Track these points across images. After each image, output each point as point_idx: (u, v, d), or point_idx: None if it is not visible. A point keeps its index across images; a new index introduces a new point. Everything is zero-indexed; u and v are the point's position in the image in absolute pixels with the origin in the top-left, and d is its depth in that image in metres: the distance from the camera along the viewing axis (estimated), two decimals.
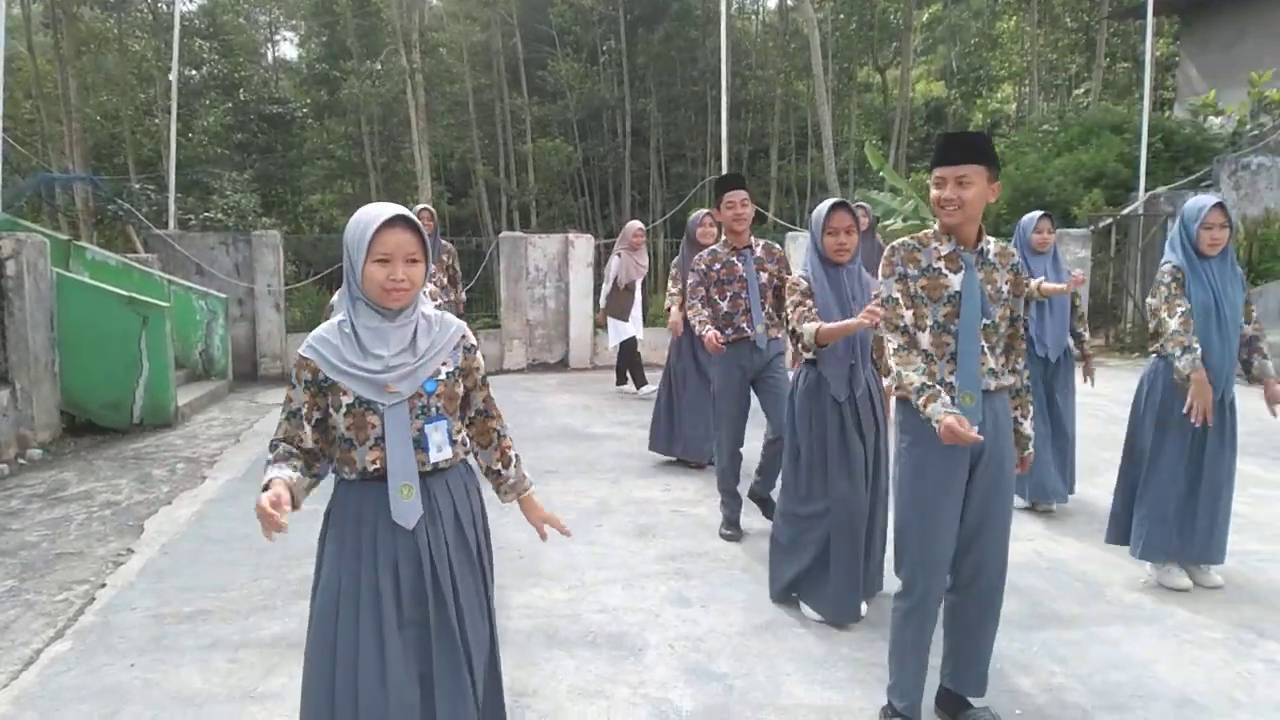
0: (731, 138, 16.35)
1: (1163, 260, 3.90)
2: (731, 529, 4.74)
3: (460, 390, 2.24)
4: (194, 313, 9.11)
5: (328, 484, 2.22)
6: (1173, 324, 3.71)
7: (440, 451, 2.17)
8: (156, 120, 20.62)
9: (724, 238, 4.71)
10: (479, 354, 2.31)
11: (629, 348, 8.75)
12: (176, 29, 12.01)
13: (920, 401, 2.57)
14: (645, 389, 8.72)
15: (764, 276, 4.57)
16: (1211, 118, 14.22)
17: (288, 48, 30.90)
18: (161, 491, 5.59)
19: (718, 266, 4.62)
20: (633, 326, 8.58)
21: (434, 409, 2.15)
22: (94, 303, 7.14)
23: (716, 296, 4.61)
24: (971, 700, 2.85)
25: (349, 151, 23.76)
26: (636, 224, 8.70)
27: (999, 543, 2.74)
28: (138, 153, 20.90)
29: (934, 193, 2.64)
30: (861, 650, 3.39)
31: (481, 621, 2.27)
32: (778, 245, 4.76)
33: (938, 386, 2.58)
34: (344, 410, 2.09)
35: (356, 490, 2.16)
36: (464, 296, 7.62)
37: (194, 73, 23.07)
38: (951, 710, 2.86)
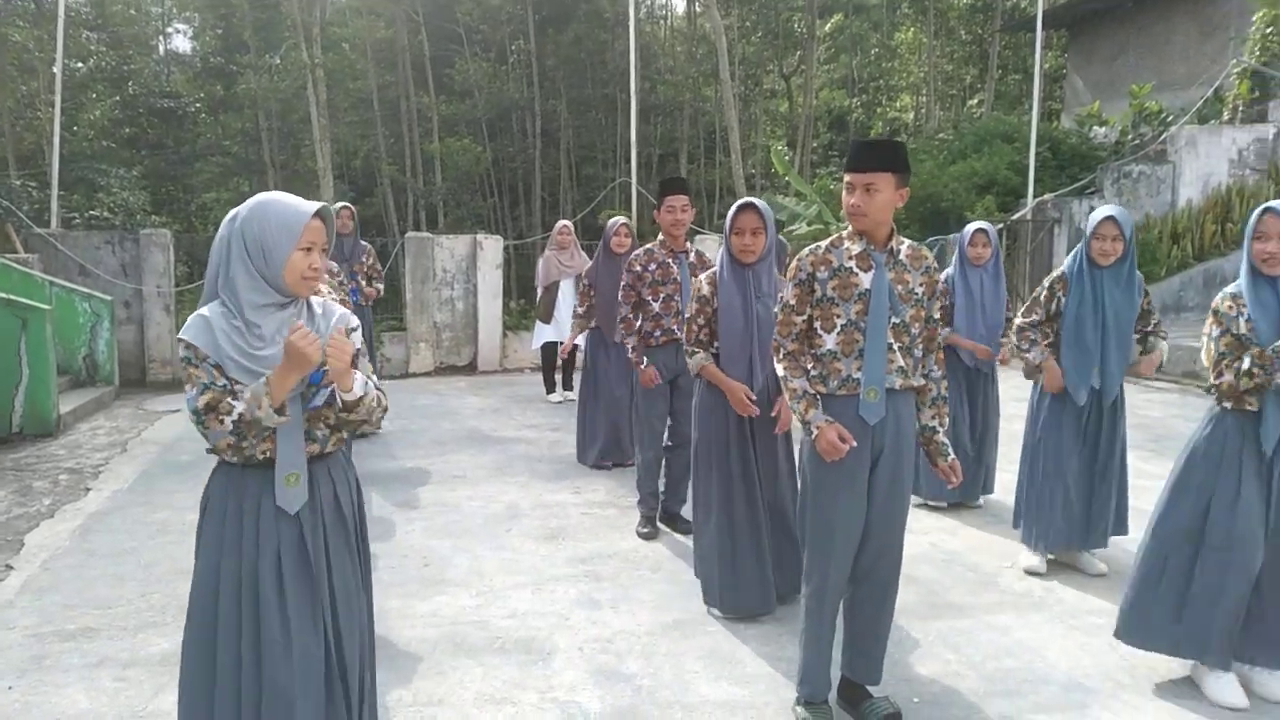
0: (641, 141, 16.42)
1: (1056, 269, 4.14)
2: (648, 526, 4.77)
3: None
4: (77, 316, 8.67)
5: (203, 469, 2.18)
6: (1018, 321, 4.12)
7: (330, 437, 2.21)
8: (39, 114, 19.57)
9: (660, 239, 4.75)
10: (358, 335, 2.29)
11: (549, 351, 8.62)
12: (61, 19, 11.42)
13: (801, 408, 2.72)
14: (553, 396, 8.65)
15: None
16: (1096, 128, 14.95)
17: (181, 40, 29.74)
18: (43, 504, 5.30)
19: (653, 267, 4.67)
20: (553, 330, 8.38)
21: (319, 396, 2.16)
22: None
23: (649, 297, 4.66)
24: (870, 689, 2.92)
25: (246, 148, 22.95)
26: (563, 222, 8.59)
27: (895, 536, 2.83)
28: (18, 148, 19.77)
29: (844, 197, 2.71)
30: (768, 645, 3.44)
31: (359, 608, 2.32)
32: (708, 254, 4.82)
33: (817, 395, 2.73)
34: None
35: (237, 476, 2.15)
36: (380, 290, 7.42)
37: (80, 65, 21.95)
38: (852, 699, 2.93)
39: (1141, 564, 3.19)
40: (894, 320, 2.73)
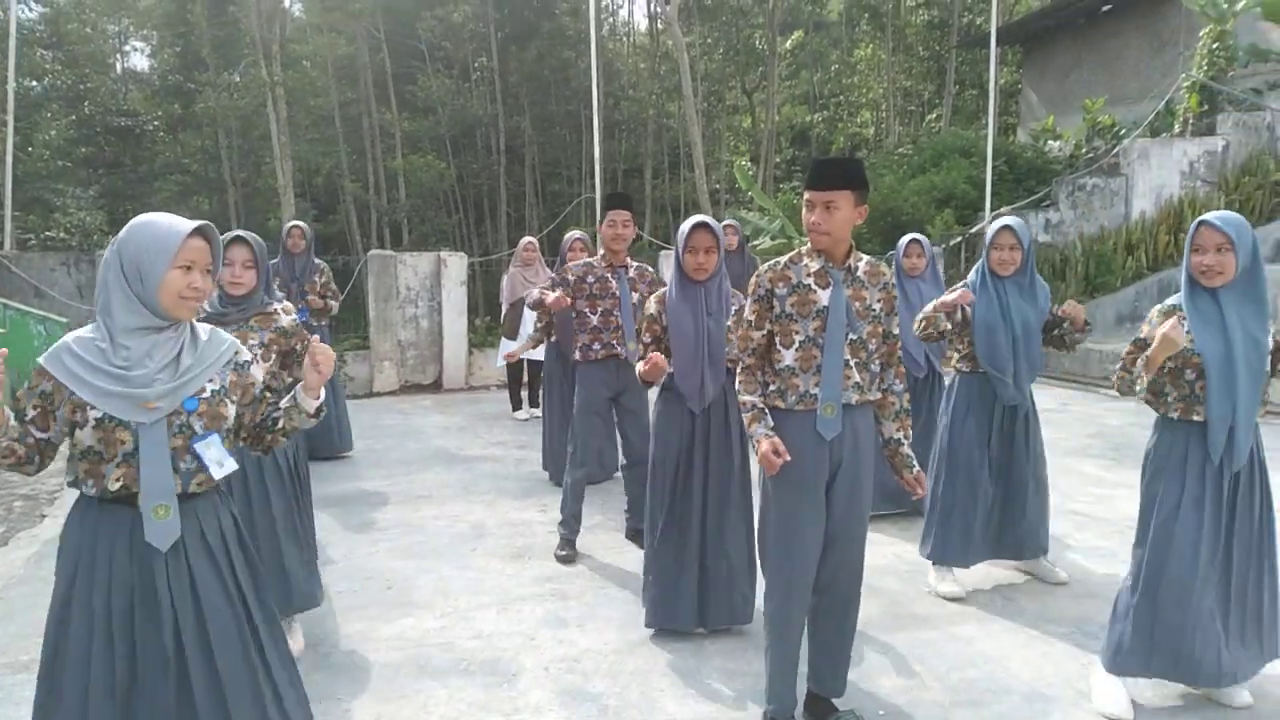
0: (606, 157, 16.46)
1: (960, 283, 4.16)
2: (567, 549, 4.69)
3: (228, 410, 2.15)
4: (32, 339, 8.49)
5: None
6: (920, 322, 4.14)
7: (222, 467, 2.10)
8: None
9: (601, 253, 4.74)
10: (254, 369, 2.26)
11: (514, 368, 8.58)
12: (12, 37, 11.25)
13: (747, 419, 2.77)
14: (519, 413, 8.61)
15: (635, 296, 4.63)
16: (1050, 141, 15.24)
17: (139, 58, 29.39)
18: (15, 521, 5.18)
19: (591, 280, 4.63)
20: (519, 346, 8.30)
21: (196, 427, 2.07)
22: None
23: (587, 310, 4.62)
24: (835, 702, 2.94)
25: (205, 166, 22.73)
26: (528, 239, 8.56)
27: (855, 549, 2.86)
28: None
29: (804, 214, 2.74)
30: (733, 660, 3.45)
31: (241, 659, 2.15)
32: (650, 269, 4.82)
33: (764, 409, 2.78)
34: (91, 425, 2.00)
35: (95, 511, 2.07)
36: (334, 307, 7.32)
37: (35, 84, 21.63)
38: (817, 713, 2.94)
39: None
40: (851, 337, 2.76)
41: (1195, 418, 2.98)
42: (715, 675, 3.34)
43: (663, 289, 3.76)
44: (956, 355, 4.15)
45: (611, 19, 28.27)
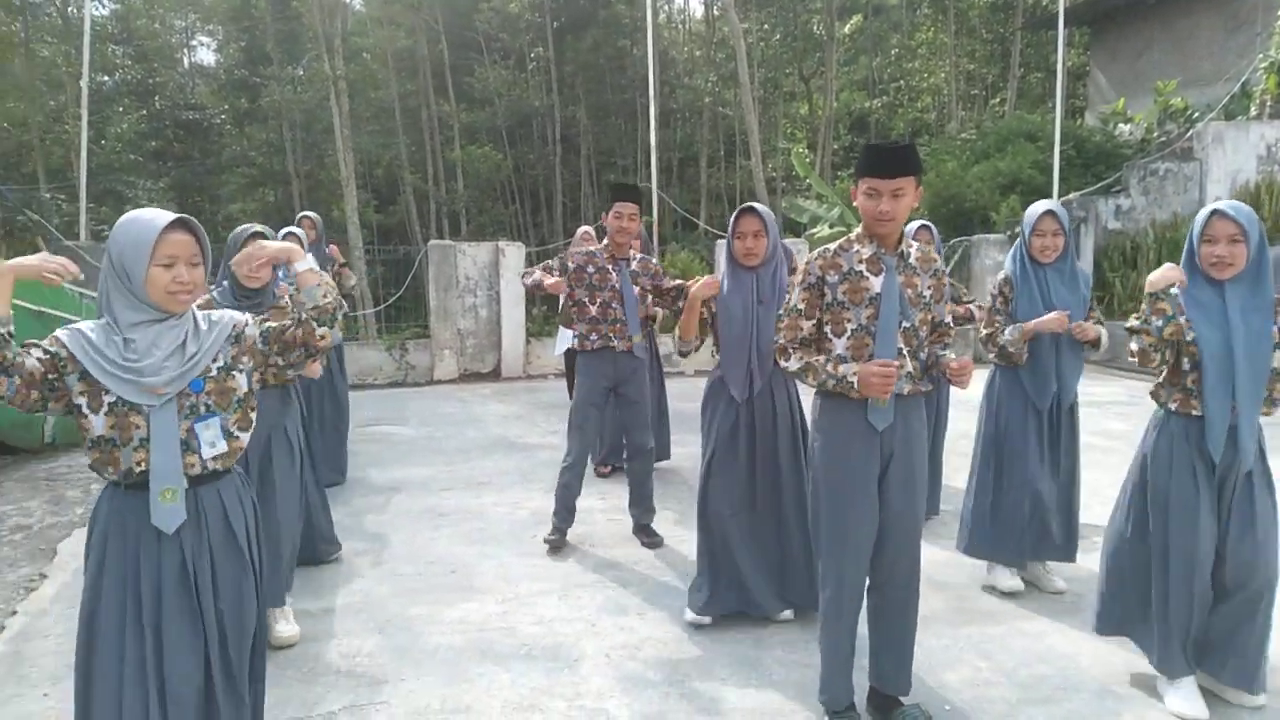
0: (661, 146, 16.44)
1: (1005, 268, 3.97)
2: (557, 535, 4.68)
3: (237, 382, 2.20)
4: None
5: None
6: (984, 333, 3.91)
7: (213, 448, 2.14)
8: (67, 127, 19.88)
9: (605, 242, 4.70)
10: (249, 329, 2.26)
11: (573, 357, 8.58)
12: (87, 34, 11.59)
13: (831, 368, 2.69)
14: None
15: (637, 289, 4.58)
16: (1121, 125, 14.80)
17: (205, 53, 30.10)
18: (75, 513, 5.37)
19: (591, 270, 4.60)
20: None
21: (203, 407, 2.13)
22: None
23: (586, 300, 4.59)
24: (901, 699, 2.90)
25: (270, 159, 23.24)
26: (585, 228, 8.57)
27: (911, 541, 2.81)
28: (47, 161, 20.12)
29: (866, 203, 2.67)
30: (795, 652, 3.42)
31: (249, 631, 2.25)
32: (654, 261, 4.77)
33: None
34: (105, 409, 2.05)
35: (120, 498, 2.13)
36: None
37: (106, 79, 22.34)
38: (883, 709, 2.90)
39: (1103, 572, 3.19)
40: (904, 325, 2.71)
41: (1194, 413, 2.90)
42: (776, 665, 3.32)
43: (717, 275, 3.71)
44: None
45: (667, 6, 28.18)
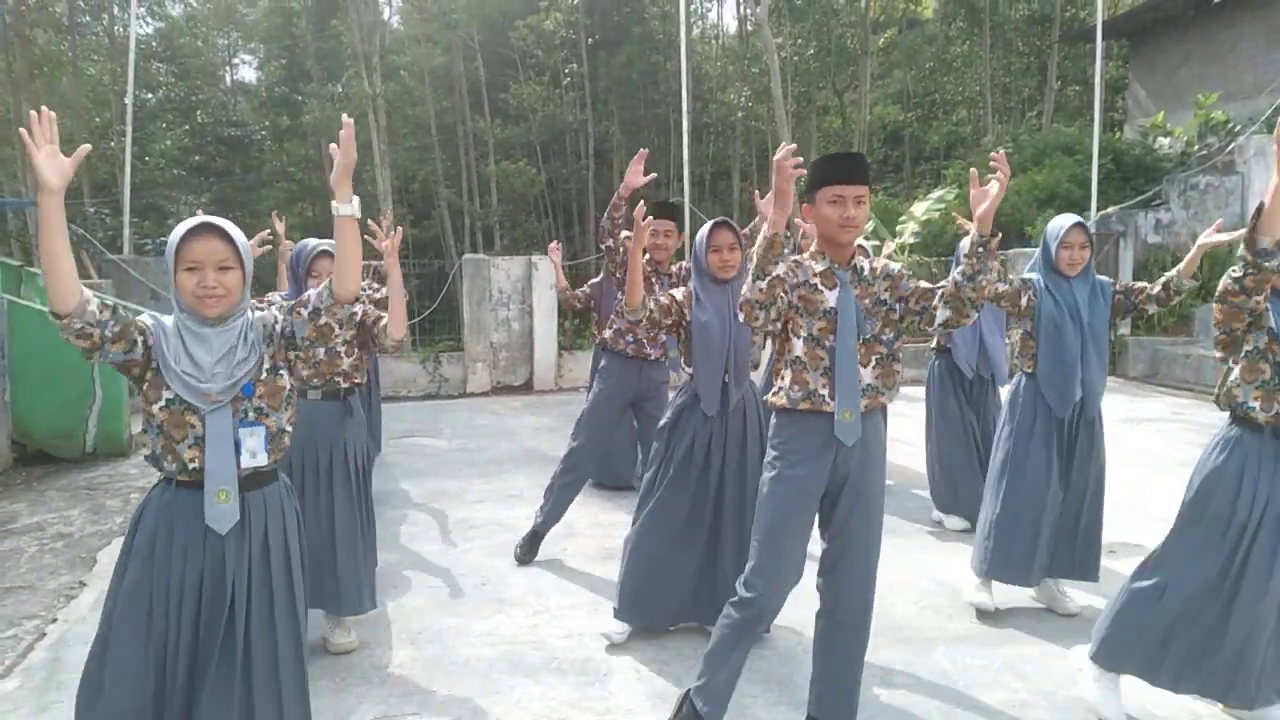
0: (694, 160, 16.48)
1: (1022, 277, 3.83)
2: (529, 548, 4.64)
3: (284, 380, 2.26)
4: None
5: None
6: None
7: (254, 458, 2.17)
8: (112, 144, 20.34)
9: (647, 257, 4.69)
10: (277, 321, 2.26)
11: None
12: (132, 52, 11.89)
13: (761, 244, 2.58)
14: None
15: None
16: (1160, 138, 14.61)
17: (246, 70, 30.68)
18: (115, 522, 5.46)
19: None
20: None
21: (253, 412, 2.18)
22: (46, 330, 6.97)
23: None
24: None
25: (309, 174, 23.60)
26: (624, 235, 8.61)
27: (864, 568, 2.70)
28: (93, 176, 20.59)
29: (831, 211, 2.60)
30: None
31: (274, 646, 2.25)
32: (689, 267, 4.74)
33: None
34: (163, 404, 2.11)
35: (170, 494, 2.17)
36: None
37: (150, 96, 22.84)
38: None
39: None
40: (863, 337, 2.67)
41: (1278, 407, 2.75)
42: (806, 683, 3.27)
43: (687, 287, 3.63)
44: (1023, 356, 3.85)
45: (701, 22, 28.28)
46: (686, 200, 12.65)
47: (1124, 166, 13.60)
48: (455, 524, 5.38)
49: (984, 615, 3.88)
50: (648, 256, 4.68)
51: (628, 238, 5.65)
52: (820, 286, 2.67)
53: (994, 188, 2.64)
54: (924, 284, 2.71)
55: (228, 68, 29.43)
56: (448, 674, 3.38)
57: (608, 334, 4.64)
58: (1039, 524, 3.72)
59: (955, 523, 5.14)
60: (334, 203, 2.24)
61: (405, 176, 23.06)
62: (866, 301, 2.68)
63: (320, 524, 3.45)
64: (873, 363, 2.69)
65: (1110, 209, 11.83)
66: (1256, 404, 2.81)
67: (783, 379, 2.73)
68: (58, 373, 6.95)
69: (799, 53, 24.64)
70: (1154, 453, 6.74)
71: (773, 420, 2.79)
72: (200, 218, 2.16)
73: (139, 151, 18.29)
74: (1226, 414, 2.95)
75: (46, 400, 6.95)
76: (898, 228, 14.04)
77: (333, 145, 2.28)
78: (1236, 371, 2.86)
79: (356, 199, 2.27)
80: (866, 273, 2.73)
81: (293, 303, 2.30)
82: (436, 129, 21.78)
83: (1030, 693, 3.20)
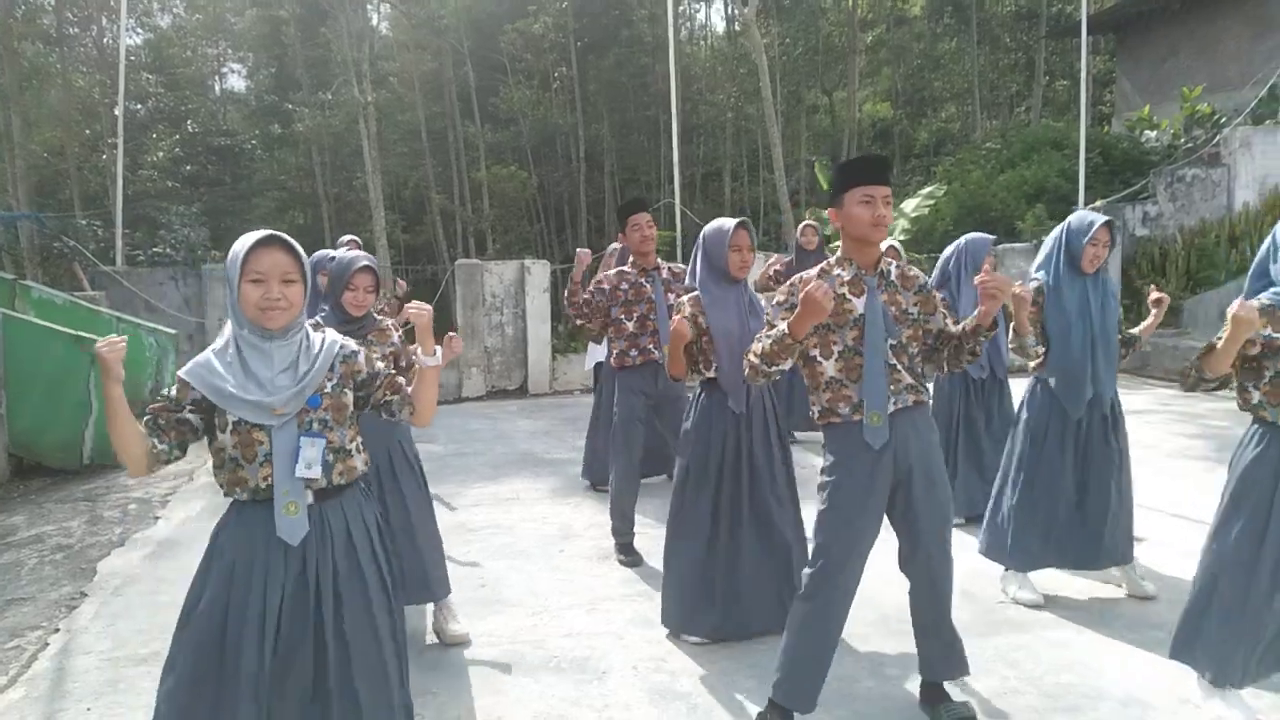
0: (685, 161, 16.53)
1: (1029, 279, 3.89)
2: (627, 553, 4.71)
3: (348, 399, 2.28)
4: (144, 350, 8.96)
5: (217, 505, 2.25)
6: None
7: (309, 469, 2.18)
8: (103, 155, 20.35)
9: (631, 259, 4.77)
10: (361, 356, 2.34)
11: (600, 373, 8.71)
12: (121, 63, 11.91)
13: (771, 335, 2.70)
14: None
15: (671, 298, 4.60)
16: (1147, 132, 14.69)
17: (236, 79, 30.69)
18: (114, 533, 5.49)
19: (625, 286, 4.66)
20: (605, 350, 8.46)
21: (316, 423, 2.20)
22: (41, 342, 7.02)
23: (622, 316, 4.64)
24: (948, 691, 2.97)
25: (300, 182, 23.62)
26: (615, 245, 8.70)
27: (942, 546, 2.85)
28: (84, 188, 20.57)
29: (862, 211, 2.68)
30: None
31: (378, 643, 2.29)
32: (681, 265, 4.78)
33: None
34: (230, 429, 2.14)
35: (249, 512, 2.20)
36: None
37: (140, 107, 22.84)
38: (932, 700, 2.97)
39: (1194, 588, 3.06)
40: (891, 342, 2.74)
41: None
42: None
43: (693, 293, 3.68)
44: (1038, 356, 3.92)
45: (689, 23, 28.34)
46: (677, 201, 12.71)
47: (1112, 160, 13.68)
48: (453, 527, 5.41)
49: (978, 607, 3.93)
50: (631, 259, 4.75)
51: (613, 252, 5.75)
52: (848, 295, 2.75)
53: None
54: (949, 328, 2.85)
55: (217, 77, 29.44)
56: (448, 674, 3.43)
57: (612, 358, 4.76)
58: (1054, 516, 3.84)
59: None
60: (419, 354, 2.39)
61: (397, 183, 23.07)
62: (894, 309, 2.75)
63: (397, 520, 3.59)
64: (907, 365, 2.78)
65: (1098, 203, 11.91)
66: None
67: (820, 399, 2.82)
68: (53, 385, 6.98)
69: (787, 52, 24.71)
70: (1144, 444, 6.80)
71: (823, 437, 2.88)
72: (265, 231, 2.20)
73: (130, 163, 18.27)
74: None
75: (43, 412, 6.98)
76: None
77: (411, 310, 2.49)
78: (1259, 395, 2.92)
79: (439, 349, 2.44)
80: (894, 277, 2.80)
81: (381, 354, 2.49)
82: (427, 135, 21.80)
83: (1020, 680, 3.25)
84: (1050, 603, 3.97)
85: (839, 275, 2.78)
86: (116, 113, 11.77)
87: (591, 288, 4.73)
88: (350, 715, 2.23)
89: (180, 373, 2.18)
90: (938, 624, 2.91)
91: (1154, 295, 3.93)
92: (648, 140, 23.97)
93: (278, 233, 2.19)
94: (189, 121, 23.52)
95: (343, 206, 23.23)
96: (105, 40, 21.15)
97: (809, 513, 3.16)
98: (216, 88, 29.18)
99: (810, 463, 6.11)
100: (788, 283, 2.84)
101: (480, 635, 3.80)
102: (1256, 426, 2.96)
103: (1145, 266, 11.56)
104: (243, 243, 2.16)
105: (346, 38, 17.19)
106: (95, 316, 8.66)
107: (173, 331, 9.35)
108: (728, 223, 3.66)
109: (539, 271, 10.87)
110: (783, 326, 2.67)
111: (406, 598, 3.65)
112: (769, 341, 2.70)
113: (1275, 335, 2.81)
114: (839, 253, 2.83)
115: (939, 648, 2.93)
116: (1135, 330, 4.05)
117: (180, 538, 5.37)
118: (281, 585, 2.17)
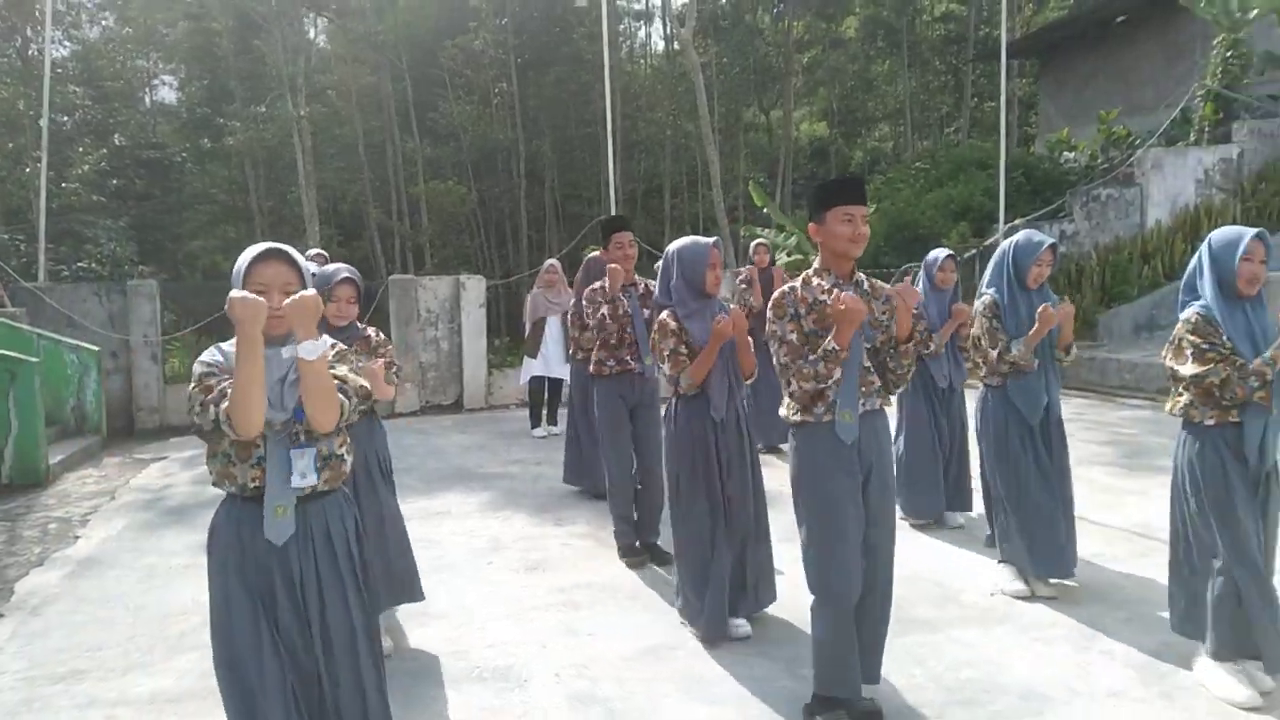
0: (625, 177, 16.71)
1: (980, 294, 4.18)
2: (631, 554, 4.86)
3: None
4: (65, 367, 8.77)
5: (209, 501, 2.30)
6: (994, 354, 4.05)
7: (304, 478, 2.28)
8: (26, 168, 19.78)
9: (606, 278, 4.92)
10: (339, 367, 2.37)
11: (535, 387, 8.81)
12: (46, 75, 11.65)
13: (820, 356, 2.85)
14: (537, 431, 8.76)
15: (647, 313, 4.80)
16: (1066, 153, 15.26)
17: (167, 91, 30.06)
18: (33, 553, 5.38)
19: (602, 300, 4.86)
20: (541, 365, 8.62)
21: (303, 434, 2.28)
22: None
23: (599, 330, 4.85)
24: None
25: (233, 196, 23.24)
26: (550, 261, 8.93)
27: (889, 549, 3.03)
28: (6, 202, 19.96)
29: (844, 229, 2.89)
30: (739, 666, 3.53)
31: (354, 639, 2.38)
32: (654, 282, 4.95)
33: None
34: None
35: (237, 509, 2.31)
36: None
37: (66, 119, 22.24)
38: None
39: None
40: (866, 346, 2.95)
41: (1231, 420, 3.10)
42: (721, 680, 3.44)
43: (665, 310, 3.84)
44: (986, 370, 4.17)
45: (629, 42, 28.60)
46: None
47: (1034, 180, 14.18)
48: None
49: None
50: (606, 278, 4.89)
51: (593, 258, 5.89)
52: (829, 302, 2.90)
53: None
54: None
55: (147, 89, 28.83)
56: None
57: (591, 366, 4.95)
58: (1057, 519, 4.08)
59: (910, 520, 5.36)
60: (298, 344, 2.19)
61: (333, 197, 22.85)
62: (867, 316, 2.93)
63: (377, 524, 3.70)
64: (874, 371, 3.00)
65: (1017, 221, 12.33)
66: (1212, 420, 3.16)
67: (796, 403, 2.97)
68: None
69: (724, 71, 25.11)
70: None
71: (792, 437, 3.04)
72: (268, 244, 2.28)
73: (55, 176, 17.81)
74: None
75: None
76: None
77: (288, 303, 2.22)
78: (1188, 397, 3.20)
79: (313, 342, 2.17)
80: (866, 286, 3.03)
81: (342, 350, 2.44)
82: (365, 149, 21.64)
83: (924, 677, 3.39)
84: (955, 603, 4.13)
85: (820, 284, 2.97)
86: (41, 124, 11.50)
87: (593, 324, 4.90)
88: (342, 702, 2.35)
89: (207, 357, 2.24)
90: (881, 632, 3.08)
91: (1062, 307, 4.14)
92: (589, 156, 24.11)
93: (280, 245, 2.29)
94: (117, 134, 22.98)
95: (277, 220, 22.90)
96: (30, 51, 20.61)
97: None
98: (147, 100, 28.56)
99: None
100: (775, 302, 2.99)
101: (403, 649, 3.82)
102: (1186, 432, 3.26)
103: (1062, 282, 11.99)
104: (246, 256, 2.26)
105: (281, 51, 17.04)
106: (15, 333, 8.44)
107: (95, 348, 9.16)
108: (704, 241, 3.84)
109: (474, 287, 10.88)
110: (831, 343, 2.82)
111: (393, 599, 3.83)
112: (820, 363, 2.84)
113: (1203, 345, 3.08)
114: (816, 264, 3.03)
115: (868, 654, 3.07)
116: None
117: (101, 556, 5.28)
118: (270, 581, 2.28)
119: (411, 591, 3.94)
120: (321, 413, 2.21)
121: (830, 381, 2.88)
